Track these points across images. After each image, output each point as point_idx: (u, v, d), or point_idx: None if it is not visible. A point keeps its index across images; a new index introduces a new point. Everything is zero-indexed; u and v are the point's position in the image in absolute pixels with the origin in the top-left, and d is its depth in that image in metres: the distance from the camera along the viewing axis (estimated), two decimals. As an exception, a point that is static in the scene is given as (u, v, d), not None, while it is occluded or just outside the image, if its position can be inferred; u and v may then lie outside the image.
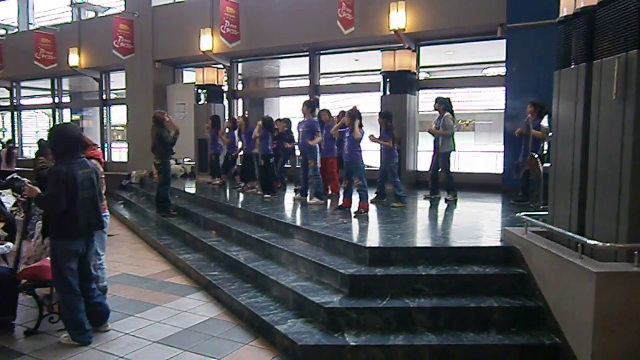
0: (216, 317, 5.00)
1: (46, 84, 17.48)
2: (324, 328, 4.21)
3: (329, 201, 8.23)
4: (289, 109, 14.36)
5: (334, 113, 9.14)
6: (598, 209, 3.84)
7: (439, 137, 8.14)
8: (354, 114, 7.02)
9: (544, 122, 7.41)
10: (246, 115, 10.58)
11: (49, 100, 17.58)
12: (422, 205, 8.00)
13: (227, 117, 12.87)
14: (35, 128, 19.51)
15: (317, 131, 8.09)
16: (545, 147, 7.42)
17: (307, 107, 8.22)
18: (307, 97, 11.89)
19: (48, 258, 4.44)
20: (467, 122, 16.78)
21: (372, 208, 7.35)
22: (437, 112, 8.31)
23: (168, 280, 6.28)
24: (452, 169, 8.32)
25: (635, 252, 3.49)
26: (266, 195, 8.80)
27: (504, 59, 9.22)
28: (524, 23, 8.66)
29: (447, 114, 8.07)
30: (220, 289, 5.42)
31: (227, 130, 10.96)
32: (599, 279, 3.44)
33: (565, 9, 4.31)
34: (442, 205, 7.92)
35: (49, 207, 4.20)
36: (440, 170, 8.27)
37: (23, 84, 18.49)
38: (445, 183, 8.24)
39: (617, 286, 3.46)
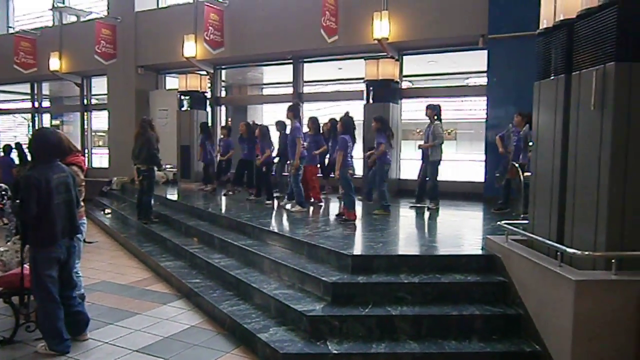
0: (197, 325, 4.95)
1: (25, 88, 17.22)
2: (306, 336, 4.20)
3: (311, 209, 8.24)
4: (272, 116, 14.33)
5: (323, 120, 9.25)
6: (577, 217, 3.91)
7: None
8: (348, 122, 7.09)
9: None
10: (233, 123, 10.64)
11: (29, 104, 17.32)
12: (405, 213, 8.04)
13: (210, 124, 12.85)
14: (13, 133, 19.16)
15: (296, 137, 8.03)
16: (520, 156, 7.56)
17: (289, 112, 8.19)
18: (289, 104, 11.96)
19: (26, 265, 4.35)
20: (449, 131, 16.96)
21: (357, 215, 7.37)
22: (424, 121, 8.38)
23: (149, 288, 6.20)
24: (438, 178, 8.37)
25: (613, 261, 3.55)
26: (268, 202, 8.92)
27: (485, 69, 9.35)
28: (505, 34, 8.81)
29: (436, 122, 8.14)
30: (201, 296, 5.37)
31: (221, 137, 11.09)
32: (578, 286, 3.49)
33: (545, 21, 4.39)
34: (424, 214, 7.96)
35: (20, 211, 4.18)
36: (427, 178, 8.33)
37: (1, 87, 18.18)
38: (429, 191, 8.29)
39: (596, 294, 3.52)
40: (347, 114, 7.63)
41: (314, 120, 8.80)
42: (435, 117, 8.16)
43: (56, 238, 4.15)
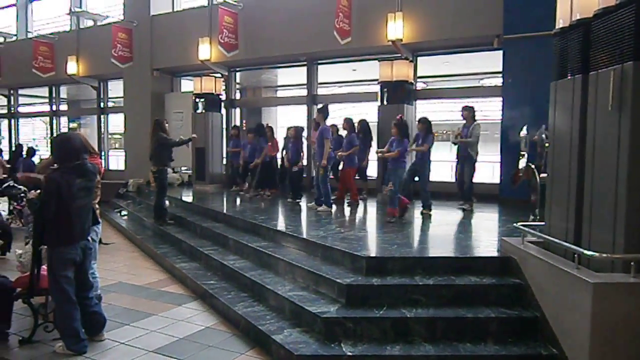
0: (212, 326, 4.97)
1: (44, 91, 17.50)
2: (320, 338, 4.20)
3: (333, 208, 8.35)
4: (286, 119, 14.40)
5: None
6: (595, 219, 3.85)
7: (466, 145, 8.15)
8: (402, 125, 7.16)
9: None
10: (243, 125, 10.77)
11: (47, 108, 17.60)
12: (419, 214, 7.98)
13: (226, 126, 12.94)
14: (32, 136, 19.49)
15: (326, 138, 8.13)
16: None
17: (319, 114, 8.42)
18: (304, 107, 12.04)
19: (44, 266, 4.42)
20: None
21: (372, 218, 7.35)
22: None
23: (164, 289, 6.25)
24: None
25: (632, 263, 3.49)
26: (297, 200, 9.18)
27: (500, 69, 9.28)
28: (521, 34, 8.72)
29: (477, 122, 8.15)
30: (216, 298, 5.40)
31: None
32: (596, 289, 3.45)
33: (561, 21, 4.35)
34: (438, 215, 7.89)
35: (36, 211, 4.31)
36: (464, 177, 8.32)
37: (21, 91, 18.50)
38: (466, 191, 8.29)
39: (614, 297, 3.47)
40: (401, 117, 7.67)
41: (348, 121, 8.93)
42: (473, 118, 8.15)
43: (73, 239, 4.21)
